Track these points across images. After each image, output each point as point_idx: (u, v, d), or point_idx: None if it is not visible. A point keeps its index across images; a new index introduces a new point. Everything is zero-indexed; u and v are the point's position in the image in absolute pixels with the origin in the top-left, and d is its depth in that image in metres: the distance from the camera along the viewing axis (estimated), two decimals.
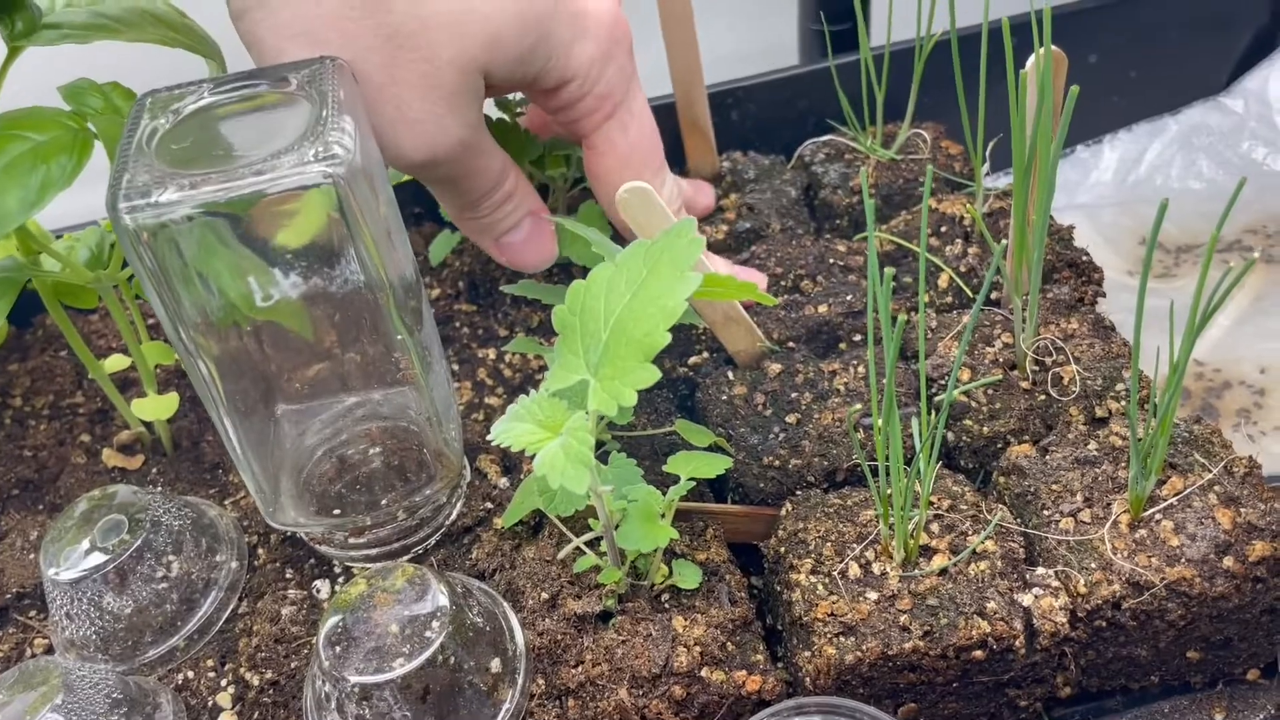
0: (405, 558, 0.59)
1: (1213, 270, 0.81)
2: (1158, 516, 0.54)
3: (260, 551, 0.61)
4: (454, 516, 0.60)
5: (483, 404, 0.71)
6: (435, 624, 0.47)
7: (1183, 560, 0.52)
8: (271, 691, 0.54)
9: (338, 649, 0.47)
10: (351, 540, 0.58)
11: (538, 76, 0.59)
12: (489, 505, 0.60)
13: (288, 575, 0.60)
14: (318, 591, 0.58)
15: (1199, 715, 0.56)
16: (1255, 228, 0.82)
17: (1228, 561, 0.51)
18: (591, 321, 0.48)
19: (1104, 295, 0.71)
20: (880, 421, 0.51)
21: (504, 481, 0.62)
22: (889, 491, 0.52)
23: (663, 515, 0.52)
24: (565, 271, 0.76)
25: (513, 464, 0.64)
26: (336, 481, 0.58)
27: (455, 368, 0.74)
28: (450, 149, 0.57)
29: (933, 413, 0.59)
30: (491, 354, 0.74)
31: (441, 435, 0.56)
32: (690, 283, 0.46)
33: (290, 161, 0.44)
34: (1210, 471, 0.55)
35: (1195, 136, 0.88)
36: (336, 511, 0.56)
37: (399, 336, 0.50)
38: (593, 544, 0.54)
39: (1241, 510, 0.53)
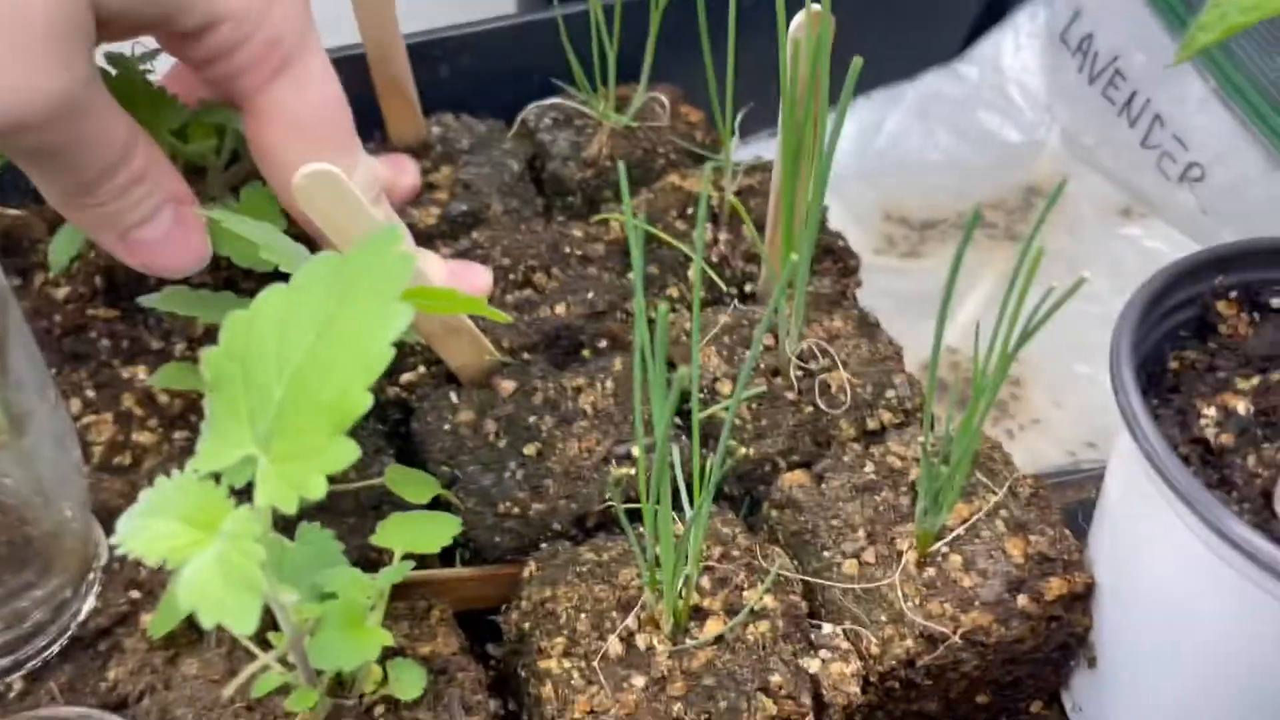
0: (16, 675, 0.43)
1: (955, 248, 0.77)
2: (944, 550, 0.48)
3: None
4: (84, 614, 0.44)
5: (129, 443, 0.55)
6: None
7: (977, 605, 0.46)
8: None
9: None
10: None
11: (172, 13, 0.44)
12: (135, 595, 0.46)
13: None
14: None
15: None
16: (995, 202, 0.80)
17: (1022, 601, 0.46)
18: (260, 372, 0.34)
19: (860, 286, 0.64)
20: (644, 456, 0.41)
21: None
22: (655, 548, 0.42)
23: (373, 608, 0.40)
24: (225, 276, 0.61)
25: None
26: None
27: (91, 394, 0.57)
28: (46, 108, 0.41)
29: (708, 443, 0.50)
30: (141, 373, 0.58)
31: (54, 517, 0.40)
32: (399, 318, 0.33)
33: None
34: (996, 494, 0.49)
35: (932, 105, 0.84)
36: None
37: None
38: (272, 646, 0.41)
39: (1031, 539, 0.48)
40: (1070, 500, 0.60)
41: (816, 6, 0.49)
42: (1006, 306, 0.41)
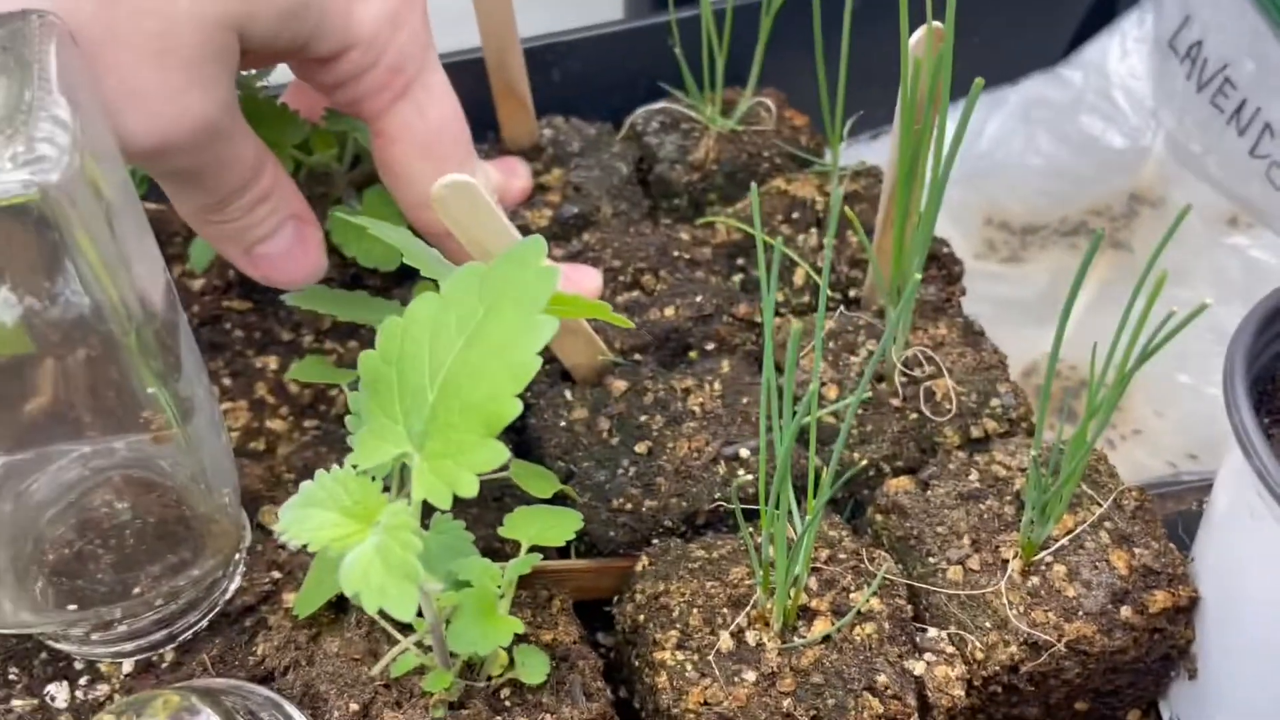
0: (169, 648, 0.47)
1: (1062, 254, 0.78)
2: (1048, 559, 0.49)
3: None
4: (231, 593, 0.48)
5: (263, 429, 0.58)
6: None
7: (1081, 614, 0.47)
8: None
9: None
10: (96, 636, 0.45)
11: (308, 42, 0.46)
12: (276, 575, 0.49)
13: (10, 676, 0.46)
14: (52, 699, 0.45)
15: None
16: (1099, 209, 0.79)
17: (1126, 612, 0.47)
18: (413, 375, 0.37)
19: (964, 294, 0.65)
20: (763, 459, 0.43)
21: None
22: (770, 551, 0.44)
23: (501, 595, 0.43)
24: (351, 274, 0.64)
25: None
26: (72, 562, 0.45)
27: (227, 382, 0.60)
28: (190, 133, 0.43)
29: (819, 451, 0.51)
30: (273, 363, 0.61)
31: (212, 500, 0.44)
32: (544, 330, 0.36)
33: None
34: (1100, 505, 0.50)
35: (1034, 109, 0.84)
36: (73, 606, 0.43)
37: (149, 390, 0.38)
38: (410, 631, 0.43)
39: (1136, 551, 0.48)
40: (1170, 511, 0.60)
41: (938, 24, 0.50)
42: (1125, 324, 0.42)
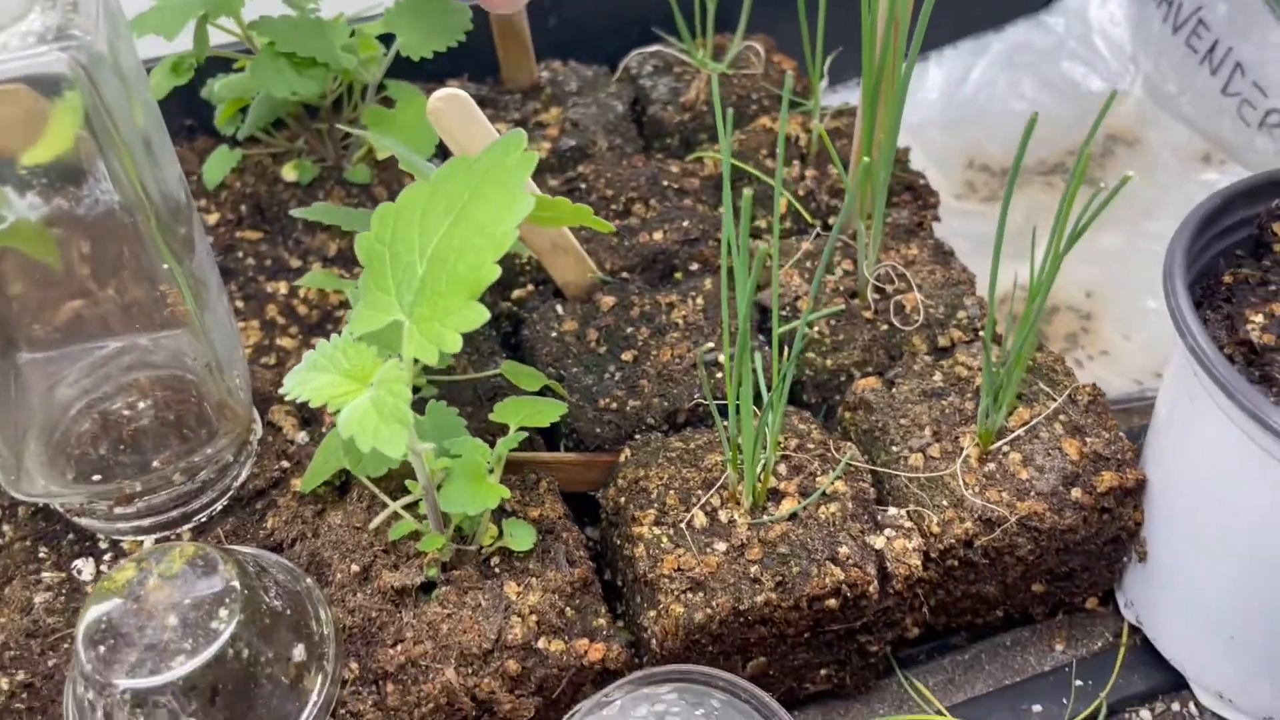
0: (185, 528, 0.51)
1: (1038, 193, 0.81)
2: (1005, 449, 0.52)
3: (4, 528, 0.51)
4: (243, 478, 0.52)
5: (274, 346, 0.62)
6: (223, 611, 0.40)
7: (1033, 494, 0.50)
8: (25, 696, 0.45)
9: (102, 648, 0.39)
10: (118, 510, 0.49)
11: None
12: (285, 464, 0.53)
13: (41, 554, 0.50)
14: (79, 573, 0.50)
15: (1040, 646, 0.56)
16: (1076, 149, 0.82)
17: (1076, 493, 0.50)
18: (405, 252, 0.40)
19: (939, 220, 0.68)
20: (730, 359, 0.46)
21: (302, 436, 0.54)
22: (737, 434, 0.48)
23: (491, 471, 0.46)
24: (368, 194, 0.68)
25: (312, 416, 0.56)
26: (98, 441, 0.49)
27: (240, 305, 0.64)
28: None
29: (785, 349, 0.55)
30: (283, 288, 0.65)
31: (224, 384, 0.48)
32: (522, 206, 0.39)
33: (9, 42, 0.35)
34: (1055, 401, 0.53)
35: (1018, 55, 0.87)
36: (97, 477, 0.47)
37: (165, 266, 0.42)
38: (410, 506, 0.47)
39: (1087, 440, 0.52)
40: (1136, 425, 0.64)
41: None
42: (1059, 219, 0.45)
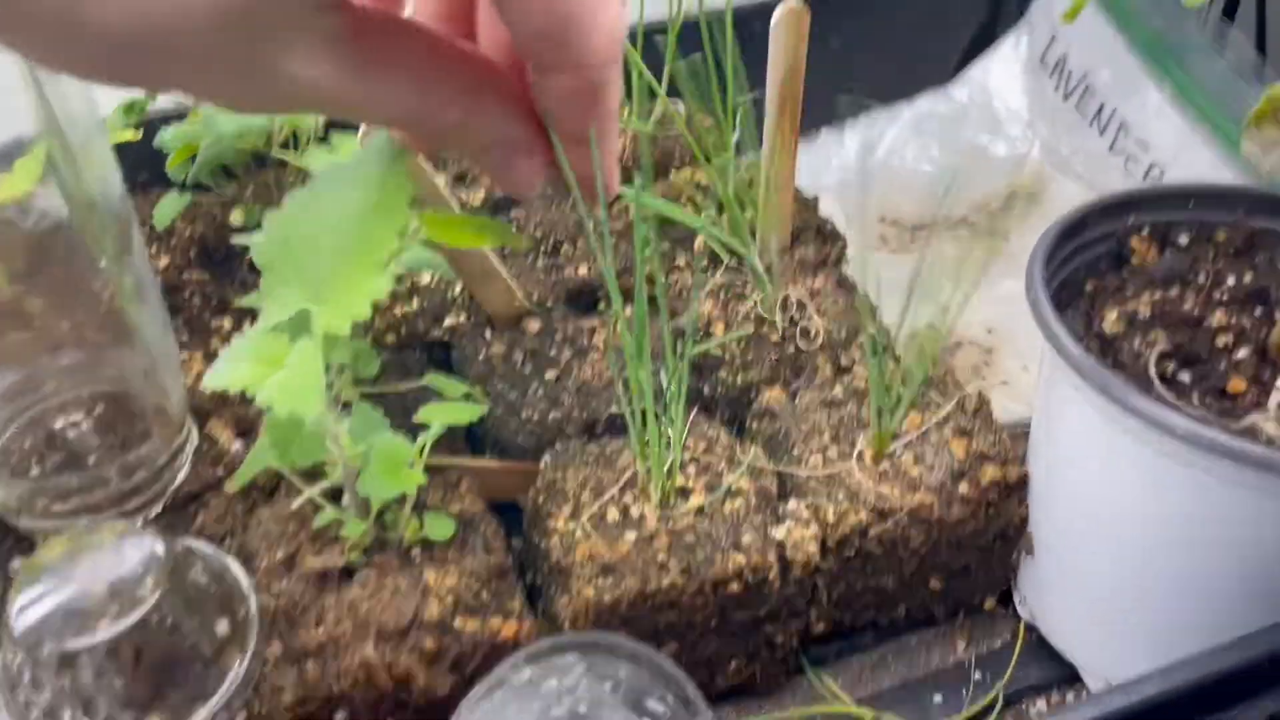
0: None
1: (944, 245, 0.86)
2: (899, 450, 0.56)
3: None
4: (178, 482, 0.54)
5: None
6: (149, 580, 0.42)
7: (922, 488, 0.53)
8: None
9: (31, 614, 0.41)
10: (56, 508, 0.51)
11: None
12: (220, 471, 0.55)
13: None
14: (16, 572, 0.51)
15: (944, 646, 0.59)
16: (981, 205, 0.88)
17: (963, 487, 0.54)
18: (301, 247, 0.43)
19: (846, 260, 0.73)
20: (636, 370, 0.50)
21: (237, 446, 0.57)
22: (645, 437, 0.51)
23: (411, 465, 0.49)
24: None
25: (249, 428, 0.59)
26: (33, 442, 0.51)
27: (185, 338, 0.67)
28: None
29: (682, 361, 0.59)
30: (226, 323, 0.69)
31: (158, 383, 0.50)
32: (409, 186, 0.42)
33: None
34: (945, 408, 0.57)
35: (926, 123, 0.94)
36: (34, 474, 0.50)
37: (102, 264, 0.45)
38: (336, 499, 0.50)
39: (974, 441, 0.56)
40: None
41: (793, 2, 0.59)
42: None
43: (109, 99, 0.63)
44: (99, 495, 0.51)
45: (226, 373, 0.43)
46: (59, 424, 0.52)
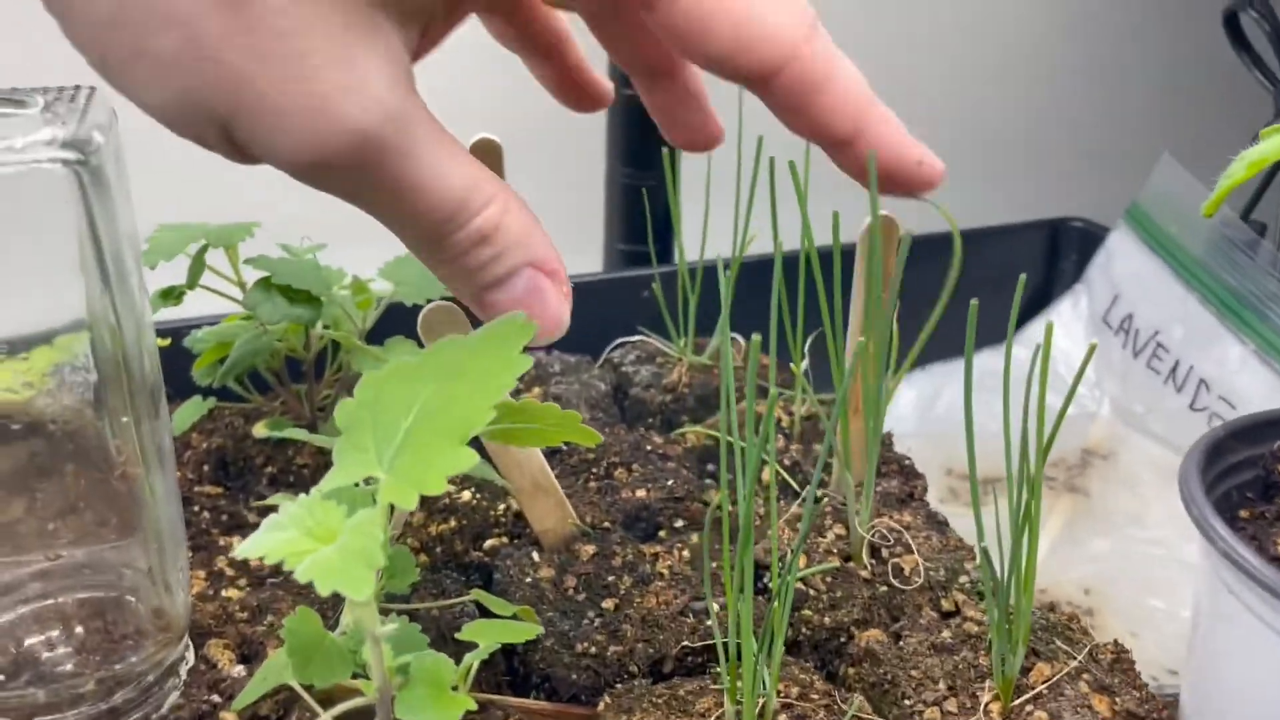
0: None
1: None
2: (1029, 707, 0.46)
3: None
4: (166, 707, 0.45)
5: (218, 595, 0.56)
6: None
7: None
8: None
9: None
10: None
11: None
12: (216, 698, 0.46)
13: None
14: None
15: None
16: (1054, 461, 0.82)
17: None
18: (387, 413, 0.38)
19: (926, 490, 0.67)
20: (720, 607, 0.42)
21: (238, 670, 0.48)
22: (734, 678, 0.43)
23: (455, 688, 0.40)
24: None
25: (253, 652, 0.50)
26: (11, 646, 0.43)
27: (189, 555, 0.59)
28: (350, 143, 0.32)
29: (786, 588, 0.51)
30: (235, 542, 0.61)
31: (163, 578, 0.42)
32: (520, 362, 0.37)
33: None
34: (1076, 658, 0.49)
35: (986, 379, 0.89)
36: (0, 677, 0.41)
37: (124, 419, 0.39)
38: None
39: (1118, 698, 0.47)
40: None
41: (888, 214, 0.56)
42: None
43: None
44: (74, 714, 0.42)
45: (266, 540, 0.36)
46: (43, 624, 0.43)
